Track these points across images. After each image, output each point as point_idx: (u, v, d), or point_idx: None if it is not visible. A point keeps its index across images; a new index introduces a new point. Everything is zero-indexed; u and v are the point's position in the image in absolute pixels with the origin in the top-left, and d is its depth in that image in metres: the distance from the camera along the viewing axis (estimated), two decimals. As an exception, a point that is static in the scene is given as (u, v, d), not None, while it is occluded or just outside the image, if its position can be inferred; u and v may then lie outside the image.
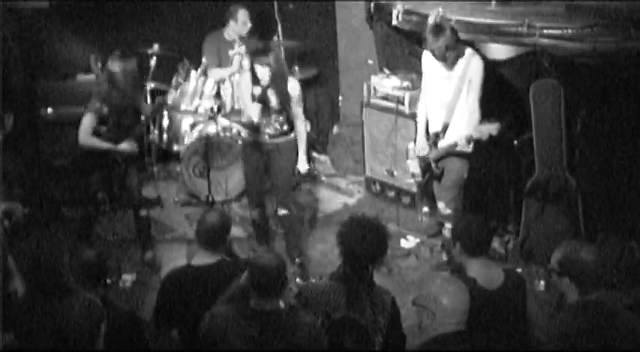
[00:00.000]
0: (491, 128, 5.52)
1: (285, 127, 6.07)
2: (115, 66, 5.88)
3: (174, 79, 7.50)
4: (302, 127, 6.13)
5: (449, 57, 5.68)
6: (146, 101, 7.46)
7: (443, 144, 5.87)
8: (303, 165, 6.19)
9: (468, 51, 5.78)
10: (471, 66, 5.71)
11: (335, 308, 3.87)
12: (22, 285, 4.58)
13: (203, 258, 4.39)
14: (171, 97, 6.39)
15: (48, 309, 3.94)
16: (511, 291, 4.07)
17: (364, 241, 3.90)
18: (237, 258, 4.59)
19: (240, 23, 7.71)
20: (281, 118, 6.04)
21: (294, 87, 6.02)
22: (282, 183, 6.18)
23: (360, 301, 3.92)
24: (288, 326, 3.69)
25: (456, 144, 5.73)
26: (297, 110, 6.07)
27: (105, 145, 5.95)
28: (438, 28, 5.65)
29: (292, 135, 6.09)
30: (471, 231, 4.13)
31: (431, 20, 5.88)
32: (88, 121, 5.89)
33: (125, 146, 6.01)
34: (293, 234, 6.35)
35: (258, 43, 8.01)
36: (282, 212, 6.26)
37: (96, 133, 5.94)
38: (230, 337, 3.68)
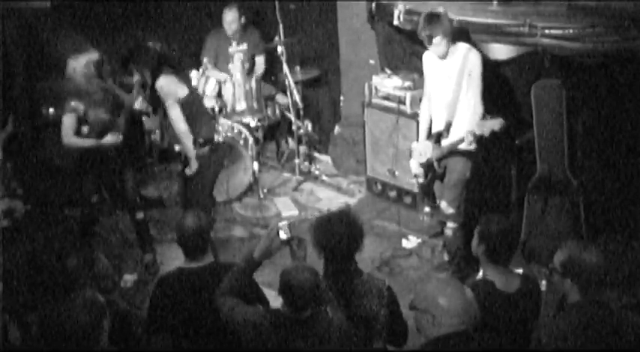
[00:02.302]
0: (494, 124, 5.47)
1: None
2: (74, 62, 5.91)
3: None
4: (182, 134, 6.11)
5: (438, 44, 5.66)
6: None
7: (446, 142, 5.85)
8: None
9: (465, 46, 5.77)
10: (469, 60, 5.69)
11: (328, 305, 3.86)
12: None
13: (195, 261, 4.31)
14: (138, 102, 6.33)
15: (49, 307, 3.95)
16: (527, 295, 4.05)
17: (336, 236, 3.90)
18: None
19: (225, 23, 7.71)
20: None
21: (162, 85, 6.03)
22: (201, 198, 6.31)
23: (354, 294, 3.91)
24: (321, 331, 3.68)
25: (462, 140, 5.68)
26: (170, 113, 6.08)
27: (88, 142, 5.96)
28: (433, 15, 5.65)
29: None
30: (502, 240, 3.99)
31: None
32: (67, 122, 5.93)
33: (108, 138, 5.98)
34: None
35: (261, 40, 8.03)
36: None
37: (79, 133, 5.95)
38: (265, 345, 3.68)
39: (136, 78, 6.28)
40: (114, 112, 6.04)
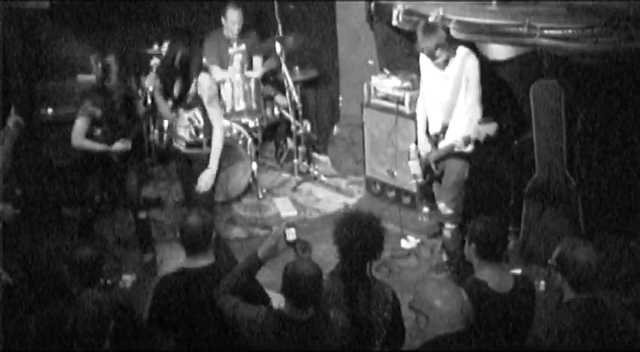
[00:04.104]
0: (489, 128, 5.50)
1: (201, 136, 5.85)
2: (104, 66, 5.89)
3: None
4: (217, 133, 5.79)
5: (439, 56, 5.66)
6: (145, 101, 7.44)
7: (442, 145, 5.86)
8: (204, 180, 5.80)
9: (463, 50, 5.77)
10: (466, 65, 5.70)
11: (336, 304, 3.87)
12: (8, 276, 4.60)
13: (197, 261, 4.29)
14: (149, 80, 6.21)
15: (53, 308, 3.95)
16: (521, 295, 4.07)
17: (360, 238, 3.90)
18: (232, 257, 4.52)
19: (229, 22, 7.69)
20: (196, 122, 5.83)
21: (202, 82, 5.75)
22: (201, 197, 5.90)
23: (360, 297, 3.93)
24: (323, 333, 3.69)
25: (453, 146, 5.72)
26: (211, 111, 5.79)
27: (98, 147, 5.96)
28: (430, 27, 5.65)
29: (207, 148, 5.86)
30: (489, 235, 4.05)
31: (430, 19, 5.88)
32: (80, 124, 5.90)
33: (118, 146, 5.98)
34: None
35: (259, 40, 8.03)
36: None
37: (90, 135, 5.94)
38: (266, 345, 3.68)
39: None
40: (127, 119, 6.04)
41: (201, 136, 5.87)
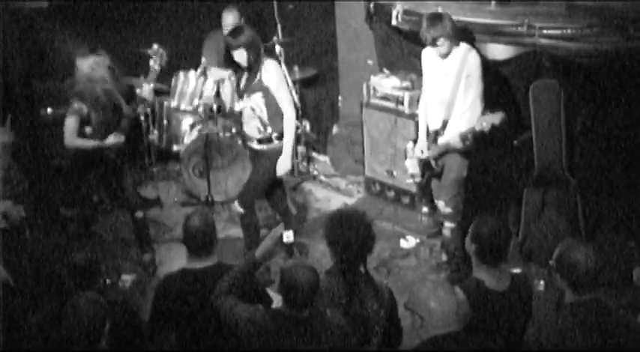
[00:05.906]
0: (494, 118, 5.45)
1: (269, 130, 5.83)
2: (83, 63, 5.89)
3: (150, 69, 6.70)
4: (287, 118, 5.77)
5: (441, 45, 5.65)
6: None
7: (442, 141, 5.85)
8: (282, 165, 5.87)
9: (465, 46, 5.76)
10: (467, 61, 5.68)
11: (334, 302, 3.88)
12: (8, 275, 4.61)
13: (199, 262, 4.31)
14: (145, 90, 6.24)
15: (51, 308, 3.96)
16: (518, 294, 4.07)
17: (351, 233, 3.91)
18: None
19: (225, 25, 7.64)
20: (258, 110, 5.80)
21: (269, 68, 5.72)
22: (254, 186, 6.05)
23: (358, 294, 3.94)
24: (320, 331, 3.70)
25: (455, 141, 5.70)
26: (279, 95, 5.75)
27: (91, 143, 5.96)
28: (436, 16, 5.63)
29: (278, 142, 5.84)
30: (494, 240, 4.01)
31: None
32: (70, 123, 5.91)
33: (111, 139, 6.00)
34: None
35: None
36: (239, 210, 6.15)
37: (82, 134, 5.95)
38: (264, 344, 3.68)
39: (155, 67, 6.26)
40: (116, 114, 6.03)
41: (269, 130, 5.85)
